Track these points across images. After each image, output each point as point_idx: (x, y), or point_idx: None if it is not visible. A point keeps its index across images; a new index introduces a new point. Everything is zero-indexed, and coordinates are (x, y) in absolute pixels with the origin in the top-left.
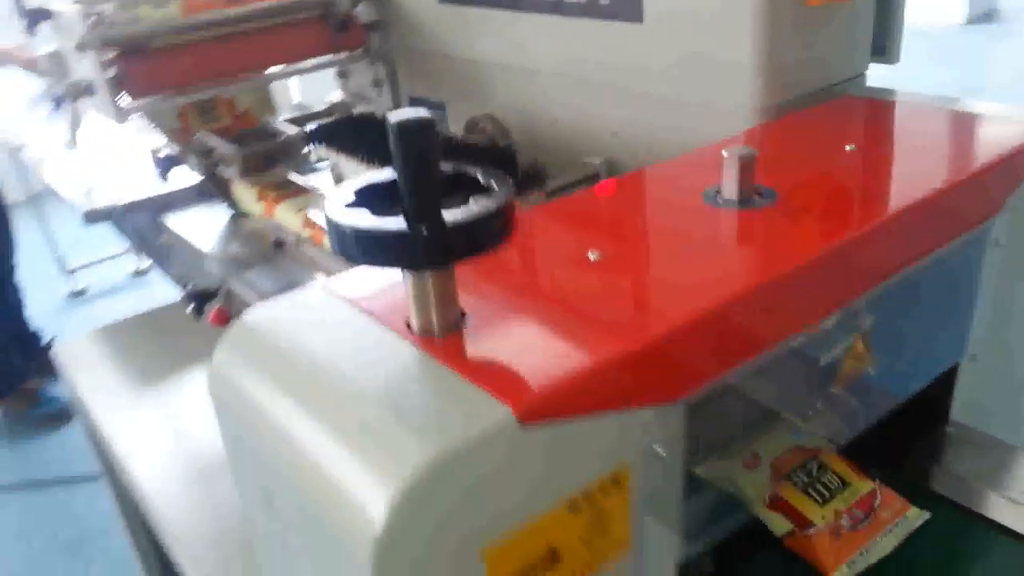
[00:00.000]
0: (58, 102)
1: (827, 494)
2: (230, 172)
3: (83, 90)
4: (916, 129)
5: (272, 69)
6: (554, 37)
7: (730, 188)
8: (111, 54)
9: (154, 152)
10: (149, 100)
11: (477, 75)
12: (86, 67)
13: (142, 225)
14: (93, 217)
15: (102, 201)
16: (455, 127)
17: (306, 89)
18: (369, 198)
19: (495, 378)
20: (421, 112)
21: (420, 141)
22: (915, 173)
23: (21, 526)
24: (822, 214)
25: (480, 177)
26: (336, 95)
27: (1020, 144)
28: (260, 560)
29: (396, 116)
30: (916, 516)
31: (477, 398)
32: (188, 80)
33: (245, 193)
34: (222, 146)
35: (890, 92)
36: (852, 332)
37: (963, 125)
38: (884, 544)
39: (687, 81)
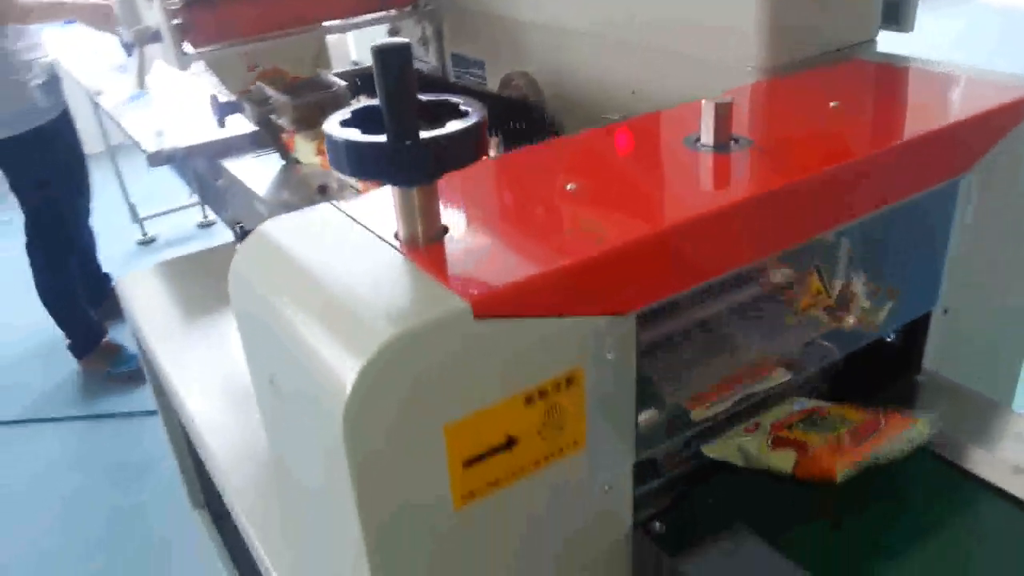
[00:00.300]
0: (128, 48)
1: (828, 428)
2: (283, 121)
3: (151, 36)
4: (902, 90)
5: (328, 23)
6: None
7: (707, 134)
8: (177, 3)
9: (213, 99)
10: (211, 49)
11: (513, 34)
12: (154, 15)
13: (201, 169)
14: (156, 159)
15: (167, 144)
16: (492, 83)
17: (362, 47)
18: (363, 120)
19: (459, 279)
20: (399, 39)
21: (396, 63)
22: (884, 128)
23: (78, 455)
24: (786, 159)
25: (460, 105)
26: None
27: (993, 107)
28: (269, 438)
29: (377, 42)
30: (925, 426)
31: (441, 294)
32: (248, 31)
33: (304, 146)
34: (276, 96)
35: (901, 58)
36: (807, 268)
37: (950, 88)
38: (891, 449)
39: (699, 39)
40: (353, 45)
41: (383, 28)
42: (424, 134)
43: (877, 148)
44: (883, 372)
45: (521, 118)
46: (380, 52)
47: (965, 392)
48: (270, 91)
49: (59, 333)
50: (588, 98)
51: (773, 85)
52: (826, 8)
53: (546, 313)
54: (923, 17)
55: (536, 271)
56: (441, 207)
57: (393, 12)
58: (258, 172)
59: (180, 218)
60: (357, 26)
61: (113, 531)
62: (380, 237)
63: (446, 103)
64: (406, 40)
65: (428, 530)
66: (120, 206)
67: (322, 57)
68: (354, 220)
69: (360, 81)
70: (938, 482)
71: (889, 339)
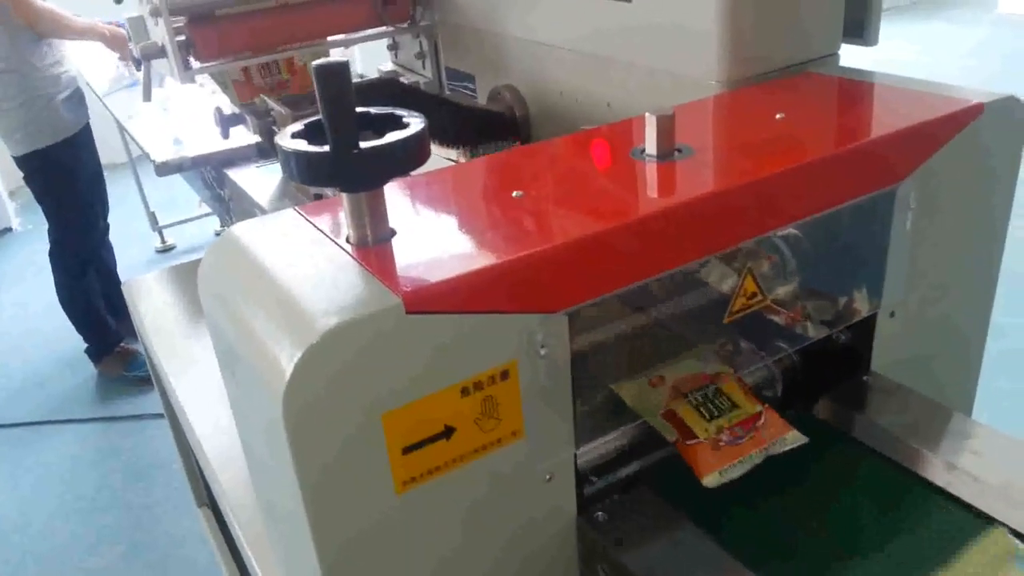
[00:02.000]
0: (137, 62)
1: (715, 412)
2: None
3: (157, 51)
4: (846, 102)
5: (330, 39)
6: (563, 14)
7: (651, 145)
8: (182, 21)
9: (217, 111)
10: (214, 64)
11: (500, 48)
12: (160, 31)
13: (208, 178)
14: (164, 169)
15: (174, 154)
16: (482, 96)
17: (367, 61)
18: (313, 132)
19: (397, 277)
20: (338, 59)
21: (335, 80)
22: (822, 138)
23: (96, 455)
24: (723, 168)
25: (404, 117)
26: (387, 66)
27: (930, 118)
28: (239, 431)
29: (317, 62)
30: (794, 438)
31: (378, 290)
32: (249, 47)
33: None
34: (277, 108)
35: (855, 72)
36: (741, 271)
37: (893, 100)
38: (756, 458)
39: (666, 54)
40: (359, 59)
41: (383, 43)
42: (366, 144)
43: (812, 157)
44: (832, 372)
45: (501, 130)
46: (319, 70)
47: (910, 393)
48: (272, 103)
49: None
50: (568, 111)
51: (727, 97)
52: (787, 24)
53: (479, 309)
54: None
55: (467, 270)
56: (396, 211)
57: (391, 28)
58: (260, 181)
59: (198, 226)
60: (357, 41)
61: (126, 528)
62: (333, 239)
63: (391, 115)
64: (344, 60)
65: (372, 514)
66: (140, 215)
67: None
68: (312, 224)
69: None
70: (873, 476)
71: (840, 341)
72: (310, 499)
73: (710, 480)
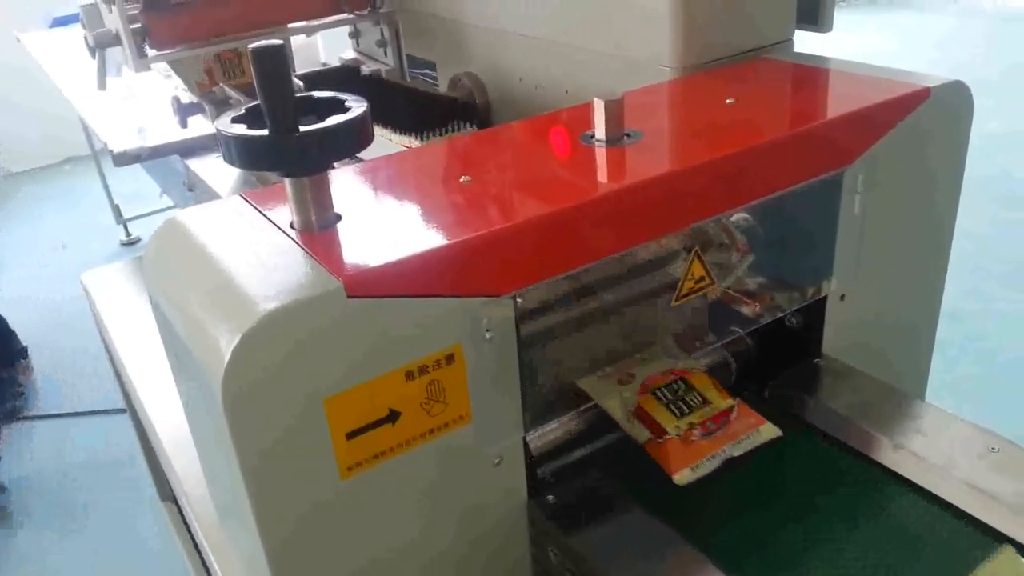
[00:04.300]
0: (92, 50)
1: (686, 409)
2: None
3: (111, 39)
4: (796, 87)
5: (290, 26)
6: (521, 0)
7: (600, 130)
8: (137, 8)
9: (174, 100)
10: (170, 52)
11: (459, 35)
12: (114, 19)
13: (168, 168)
14: (122, 159)
15: (132, 144)
16: (443, 83)
17: (331, 49)
18: (254, 117)
19: (339, 261)
20: (275, 41)
21: (271, 63)
22: (769, 122)
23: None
24: (671, 152)
25: (346, 102)
26: (349, 54)
27: (876, 102)
28: (185, 415)
29: (254, 44)
30: (768, 431)
31: (319, 275)
32: (206, 34)
33: None
34: (236, 96)
35: (808, 58)
36: (689, 254)
37: (842, 85)
38: (730, 452)
39: (620, 40)
40: (322, 47)
41: (345, 30)
42: (305, 128)
43: (760, 140)
44: (784, 355)
45: (461, 117)
46: (256, 52)
47: (861, 376)
48: (230, 91)
49: None
50: (528, 98)
51: (679, 83)
52: (741, 10)
53: (422, 293)
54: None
55: (409, 254)
56: (342, 196)
57: (352, 15)
58: (221, 171)
59: (165, 219)
60: (318, 29)
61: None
62: (277, 226)
63: (334, 99)
64: (280, 42)
65: (317, 500)
66: (105, 208)
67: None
68: (258, 210)
69: (319, 81)
70: (822, 457)
71: (791, 324)
72: (252, 485)
73: (681, 477)
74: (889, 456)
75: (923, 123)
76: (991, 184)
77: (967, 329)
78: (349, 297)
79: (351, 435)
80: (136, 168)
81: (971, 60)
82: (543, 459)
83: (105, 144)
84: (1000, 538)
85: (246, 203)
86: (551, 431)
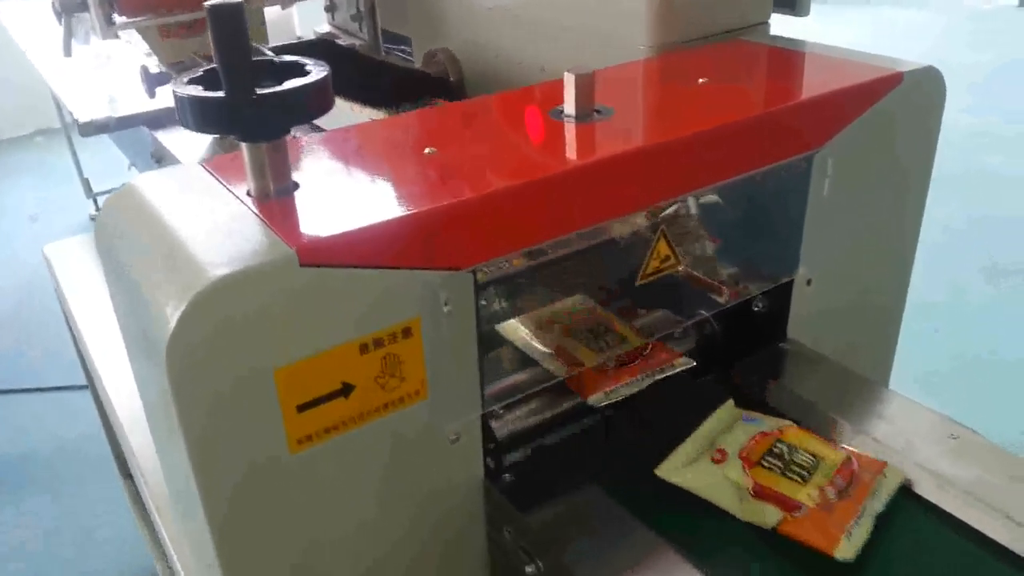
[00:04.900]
0: (59, 16)
1: (805, 473)
2: None
3: (77, 5)
4: (769, 69)
5: None
6: None
7: (569, 105)
8: None
9: (143, 69)
10: (139, 19)
11: (436, 10)
12: None
13: (135, 139)
14: (88, 129)
15: (101, 114)
16: (418, 59)
17: (304, 23)
18: (211, 79)
19: (294, 229)
20: (233, 0)
21: (229, 22)
22: (739, 103)
23: (21, 427)
24: (640, 129)
25: (306, 66)
26: (324, 28)
27: (847, 86)
28: (137, 386)
29: (209, 2)
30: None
31: (272, 242)
32: (176, 2)
33: None
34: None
35: (784, 40)
36: (655, 232)
37: (815, 68)
38: (873, 506)
39: (597, 17)
40: (297, 22)
41: (320, 4)
42: (262, 90)
43: (729, 120)
44: (749, 339)
45: (434, 92)
46: (212, 11)
47: (825, 361)
48: (201, 61)
49: None
50: (503, 74)
51: (653, 62)
52: None
53: (377, 264)
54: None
55: (366, 223)
56: (303, 165)
57: None
58: (189, 143)
59: None
60: (291, 1)
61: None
62: (234, 193)
63: (295, 64)
64: (239, 1)
65: (265, 473)
66: (75, 181)
67: (260, 32)
68: (216, 178)
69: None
70: None
71: (757, 307)
72: (197, 456)
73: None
74: (849, 440)
75: (895, 108)
76: (969, 179)
77: (940, 323)
78: (302, 266)
79: (302, 408)
80: (107, 142)
81: (949, 55)
82: (503, 439)
83: (71, 112)
84: (952, 522)
85: (204, 170)
86: (512, 411)
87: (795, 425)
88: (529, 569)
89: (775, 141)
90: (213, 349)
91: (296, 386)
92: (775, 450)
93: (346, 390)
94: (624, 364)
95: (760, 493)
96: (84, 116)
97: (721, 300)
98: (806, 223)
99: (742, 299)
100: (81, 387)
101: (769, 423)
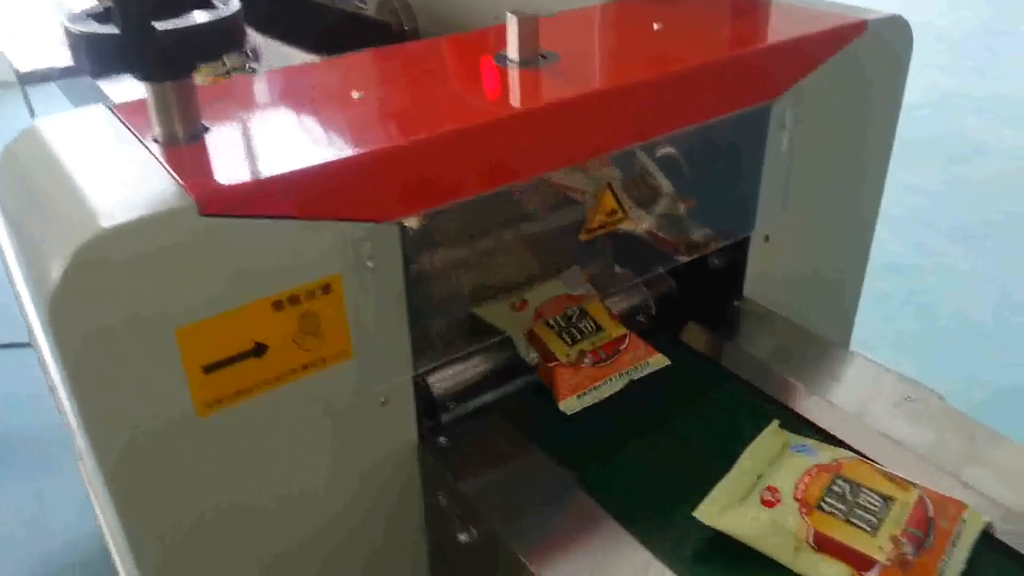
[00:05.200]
0: None
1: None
2: None
3: None
4: (728, 16)
5: None
6: None
7: (513, 49)
8: None
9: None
10: None
11: None
12: None
13: (83, 90)
14: (30, 79)
15: (45, 63)
16: (373, 6)
17: None
18: (108, 17)
19: (197, 176)
20: None
21: None
22: (693, 49)
23: None
24: (586, 75)
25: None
26: None
27: (807, 34)
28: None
29: None
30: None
31: (172, 190)
32: None
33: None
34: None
35: None
36: (599, 185)
37: (775, 16)
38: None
39: None
40: None
41: None
42: (162, 25)
43: (682, 66)
44: (703, 297)
45: (386, 40)
46: None
47: (781, 320)
48: None
49: None
50: (457, 23)
51: (608, 8)
52: None
53: (291, 215)
54: None
55: (279, 171)
56: (218, 109)
57: None
58: (135, 93)
59: None
60: None
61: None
62: (138, 137)
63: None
64: None
65: (171, 439)
66: None
67: None
68: (122, 122)
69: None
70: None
71: (711, 264)
72: (92, 421)
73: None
74: (802, 403)
75: (858, 57)
76: (944, 142)
77: (911, 284)
78: (203, 215)
79: (209, 369)
80: (62, 96)
81: (932, 18)
82: (440, 398)
83: (10, 62)
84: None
85: (111, 114)
86: (447, 370)
87: (856, 456)
88: (462, 536)
89: (730, 89)
90: (103, 307)
91: (201, 346)
92: (835, 489)
93: (259, 350)
94: (599, 359)
95: (824, 546)
96: (26, 66)
97: (675, 256)
98: (763, 177)
99: (696, 256)
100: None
101: (824, 453)
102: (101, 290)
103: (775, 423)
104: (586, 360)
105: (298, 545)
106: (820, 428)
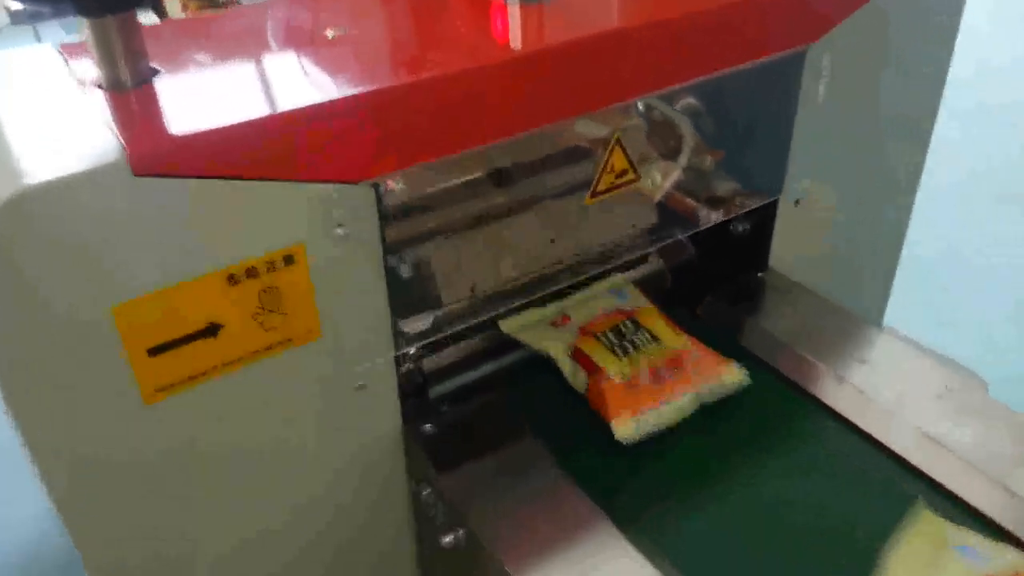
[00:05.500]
0: None
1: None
2: None
3: None
4: None
5: None
6: None
7: None
8: None
9: None
10: None
11: None
12: None
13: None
14: (19, 17)
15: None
16: None
17: None
18: None
19: (137, 128)
20: None
21: None
22: None
23: None
24: (600, 12)
25: None
26: None
27: None
28: None
29: None
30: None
31: (105, 146)
32: None
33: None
34: None
35: None
36: (609, 141)
37: None
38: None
39: None
40: None
41: None
42: None
43: (703, 5)
44: (724, 267)
45: None
46: None
47: (808, 294)
48: None
49: None
50: None
51: None
52: None
53: (244, 175)
54: None
55: (228, 122)
56: (173, 51)
57: None
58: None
59: None
60: None
61: None
62: (81, 80)
63: None
64: None
65: (117, 428)
66: None
67: None
68: (66, 62)
69: None
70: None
71: (735, 231)
72: (22, 413)
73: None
74: (830, 390)
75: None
76: (1016, 110)
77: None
78: (138, 175)
79: (155, 351)
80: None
81: None
82: (427, 379)
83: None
84: (947, 495)
85: (57, 54)
86: (438, 348)
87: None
88: (447, 539)
89: (759, 33)
90: (26, 282)
91: (144, 325)
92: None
93: (212, 329)
94: (659, 377)
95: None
96: (13, 5)
97: (694, 222)
98: (795, 133)
99: (718, 221)
100: None
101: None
102: (24, 262)
103: (924, 510)
104: (643, 376)
105: (270, 542)
106: (851, 423)
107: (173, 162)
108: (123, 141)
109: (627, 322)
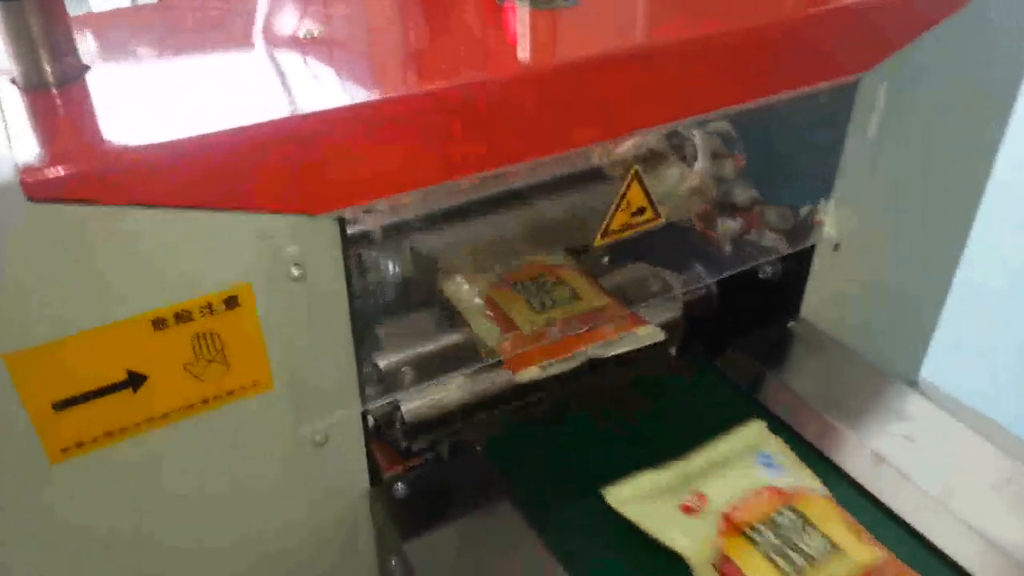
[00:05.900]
0: None
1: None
2: None
3: None
4: None
5: None
6: None
7: None
8: None
9: None
10: None
11: None
12: None
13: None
14: None
15: None
16: None
17: None
18: None
19: (39, 140)
20: None
21: None
22: (760, 4)
23: None
24: (624, 26)
25: None
26: None
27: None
28: None
29: None
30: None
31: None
32: None
33: None
34: None
35: None
36: (625, 176)
37: None
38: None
39: None
40: None
41: None
42: None
43: (739, 23)
44: (750, 315)
45: None
46: None
47: (840, 349)
48: None
49: None
50: None
51: None
52: None
53: (174, 202)
54: None
55: (154, 140)
56: (113, 46)
57: None
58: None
59: None
60: None
61: None
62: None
63: None
64: None
65: (19, 494)
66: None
67: None
68: None
69: None
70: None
71: (764, 275)
72: None
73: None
74: (866, 470)
75: (970, 26)
76: None
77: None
78: (33, 200)
79: (61, 405)
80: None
81: None
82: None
83: None
84: None
85: None
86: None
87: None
88: None
89: (807, 58)
90: None
91: (47, 376)
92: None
93: (134, 381)
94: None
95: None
96: None
97: (720, 265)
98: (840, 170)
99: (747, 266)
100: None
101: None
102: None
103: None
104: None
105: None
106: (887, 508)
107: (81, 186)
108: (17, 157)
109: (786, 511)
